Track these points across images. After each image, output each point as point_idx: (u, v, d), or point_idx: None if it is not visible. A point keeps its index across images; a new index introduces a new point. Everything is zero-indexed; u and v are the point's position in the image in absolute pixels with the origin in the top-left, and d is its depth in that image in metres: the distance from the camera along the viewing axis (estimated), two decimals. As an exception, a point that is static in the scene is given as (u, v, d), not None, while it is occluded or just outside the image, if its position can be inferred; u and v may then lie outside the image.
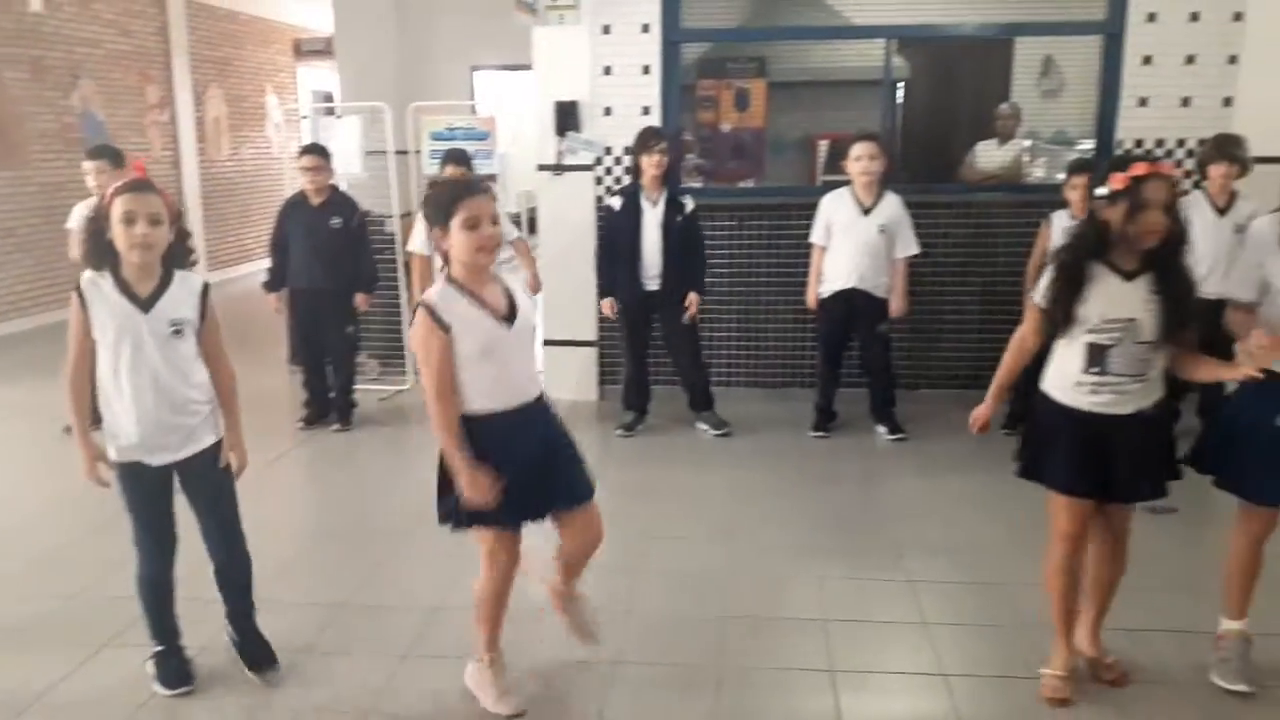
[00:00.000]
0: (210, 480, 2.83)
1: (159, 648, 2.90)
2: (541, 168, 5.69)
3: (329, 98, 11.27)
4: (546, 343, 5.91)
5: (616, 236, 5.06)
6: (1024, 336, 2.80)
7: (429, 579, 3.59)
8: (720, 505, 4.34)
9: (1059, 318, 2.63)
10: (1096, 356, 2.59)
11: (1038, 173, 6.67)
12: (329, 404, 5.54)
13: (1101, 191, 2.57)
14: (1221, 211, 4.58)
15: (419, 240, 5.05)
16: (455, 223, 2.49)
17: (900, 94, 8.30)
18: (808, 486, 4.61)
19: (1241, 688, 2.82)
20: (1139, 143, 5.43)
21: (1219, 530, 2.93)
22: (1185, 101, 5.36)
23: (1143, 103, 5.40)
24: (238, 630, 3.00)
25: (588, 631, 2.98)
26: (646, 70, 5.57)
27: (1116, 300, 2.58)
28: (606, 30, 5.54)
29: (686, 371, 5.33)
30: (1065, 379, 2.68)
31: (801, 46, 7.87)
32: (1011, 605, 3.32)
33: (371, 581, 3.65)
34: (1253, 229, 2.83)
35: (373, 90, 7.06)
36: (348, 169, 5.89)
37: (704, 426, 5.34)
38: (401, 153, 6.15)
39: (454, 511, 2.64)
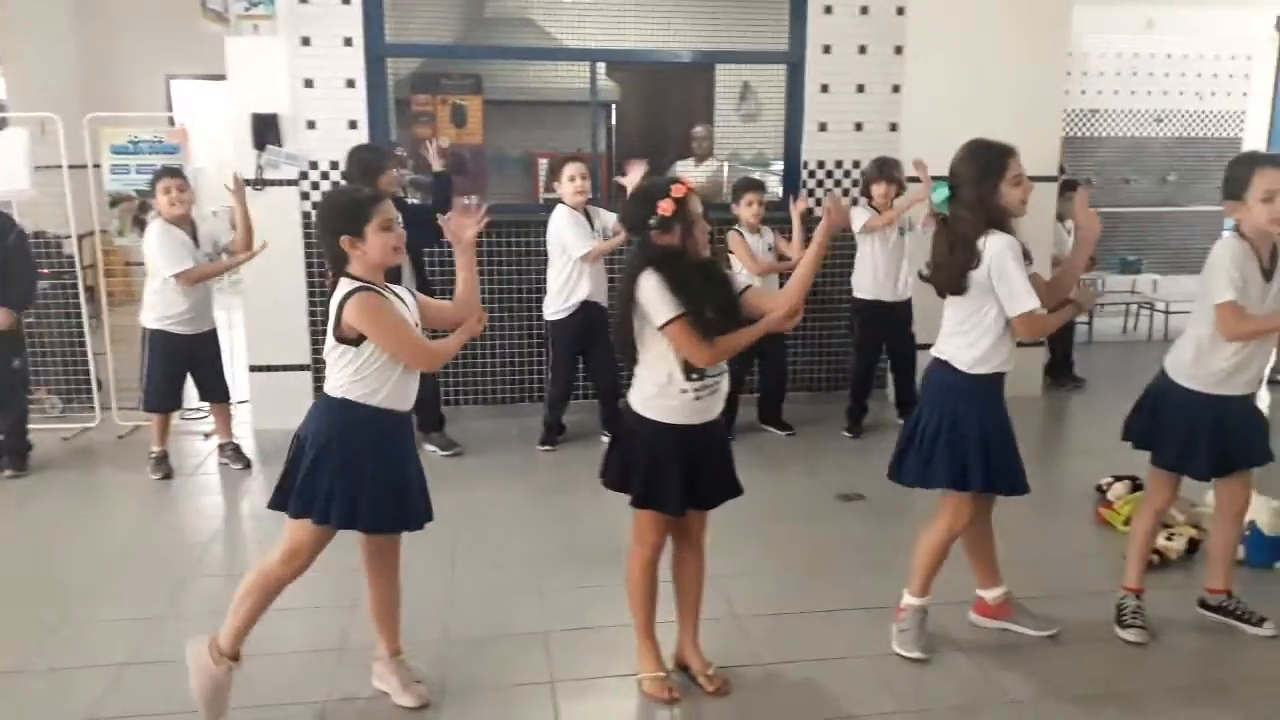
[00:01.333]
0: None
1: None
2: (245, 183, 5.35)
3: (-2, 106, 10.03)
4: (252, 369, 5.58)
5: None
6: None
7: (118, 635, 3.27)
8: (446, 527, 4.20)
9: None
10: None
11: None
12: (-1, 447, 4.92)
13: (653, 221, 2.67)
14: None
15: None
16: (372, 226, 2.59)
17: (614, 115, 8.62)
18: (538, 501, 4.64)
19: (917, 655, 3.14)
20: (821, 164, 5.95)
21: (904, 514, 3.21)
22: (859, 126, 5.93)
23: (823, 127, 5.91)
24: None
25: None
26: (351, 84, 5.40)
27: None
28: (306, 42, 5.32)
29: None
30: (666, 394, 2.70)
31: (517, 66, 7.96)
32: (724, 598, 3.49)
33: (48, 643, 3.26)
34: (993, 244, 2.90)
35: (49, 99, 6.35)
36: (12, 185, 5.25)
37: (432, 448, 5.24)
38: (80, 167, 5.57)
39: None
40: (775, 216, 5.55)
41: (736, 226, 5.23)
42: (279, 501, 2.68)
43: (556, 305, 5.12)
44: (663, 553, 2.89)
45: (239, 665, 2.74)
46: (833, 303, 6.06)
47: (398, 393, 2.68)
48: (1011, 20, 5.89)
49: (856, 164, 5.96)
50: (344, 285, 2.61)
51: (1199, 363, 3.12)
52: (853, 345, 5.64)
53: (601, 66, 8.09)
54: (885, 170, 5.30)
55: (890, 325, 5.45)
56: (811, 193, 5.97)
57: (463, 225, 2.79)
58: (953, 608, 3.36)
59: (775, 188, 6.21)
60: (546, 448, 5.31)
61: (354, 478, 2.62)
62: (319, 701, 2.90)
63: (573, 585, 3.69)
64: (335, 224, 2.63)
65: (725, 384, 2.78)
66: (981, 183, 2.91)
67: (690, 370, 2.68)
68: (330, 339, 2.64)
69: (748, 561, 3.83)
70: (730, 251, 5.20)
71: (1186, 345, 3.17)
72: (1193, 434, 3.13)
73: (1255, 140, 10.48)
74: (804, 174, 5.95)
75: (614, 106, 8.57)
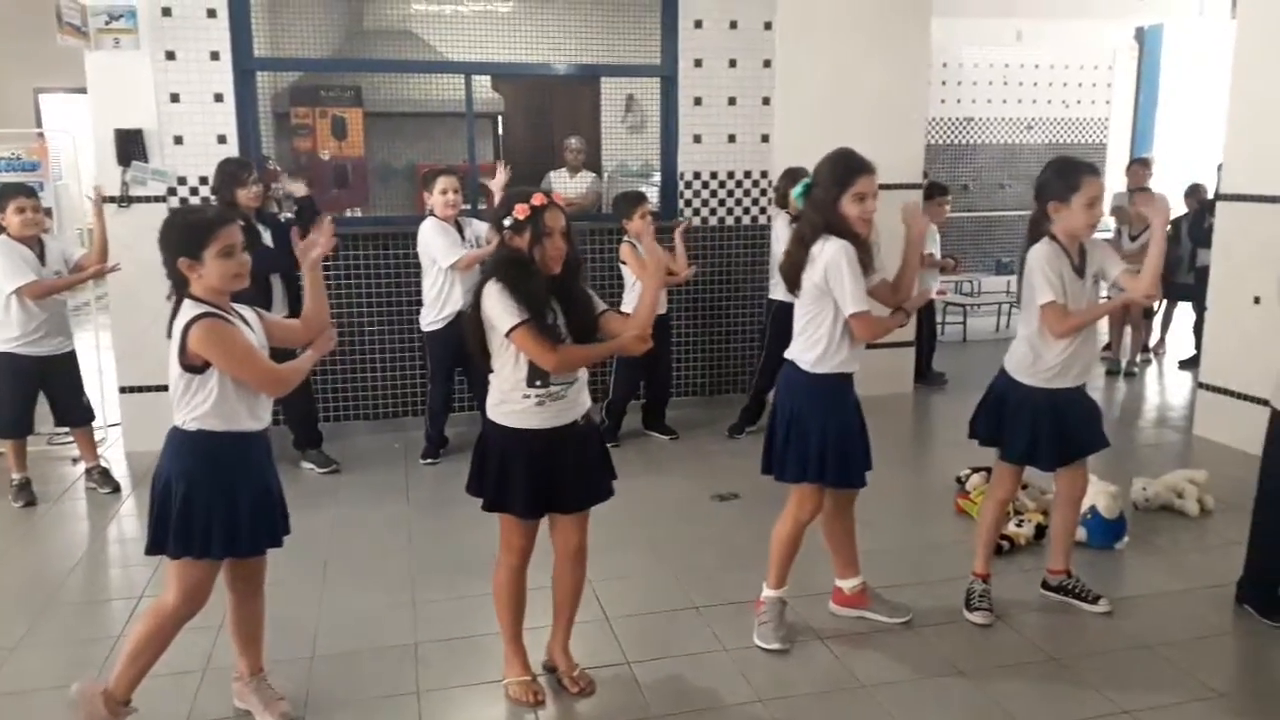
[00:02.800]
0: None
1: None
2: (107, 199, 5.23)
3: None
4: (123, 390, 5.45)
5: None
6: None
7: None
8: (322, 545, 4.23)
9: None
10: (536, 370, 2.73)
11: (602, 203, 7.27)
12: None
13: (508, 222, 2.74)
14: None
15: None
16: (211, 251, 2.54)
17: (500, 127, 8.65)
18: (416, 514, 4.63)
19: (776, 646, 3.26)
20: (697, 174, 6.09)
21: (777, 510, 3.32)
22: (731, 138, 6.10)
23: (697, 139, 6.06)
24: None
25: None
26: (220, 98, 5.32)
27: None
28: (171, 56, 5.22)
29: (292, 408, 5.15)
30: (511, 399, 2.77)
31: (399, 78, 7.92)
32: (595, 601, 3.56)
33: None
34: (828, 249, 3.03)
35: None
36: None
37: (309, 465, 5.19)
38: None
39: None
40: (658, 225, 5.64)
41: (629, 238, 5.30)
42: (156, 546, 2.63)
43: (431, 316, 5.14)
44: (530, 558, 2.93)
45: (136, 711, 2.72)
46: (720, 310, 6.21)
47: (252, 414, 2.67)
48: (874, 34, 6.13)
49: (730, 174, 6.12)
50: (186, 310, 2.58)
51: (1034, 360, 3.32)
52: (763, 344, 5.76)
53: (487, 79, 8.17)
54: (797, 179, 5.41)
55: None
56: (689, 203, 6.11)
57: (310, 245, 2.80)
58: (816, 599, 3.50)
59: (655, 199, 6.33)
60: (429, 460, 5.31)
61: (228, 507, 2.61)
62: (178, 725, 2.87)
63: (446, 597, 3.71)
64: (174, 245, 2.59)
65: (577, 393, 2.84)
66: (829, 189, 3.05)
67: (534, 377, 2.73)
68: (175, 367, 2.61)
69: (622, 564, 3.91)
70: (623, 262, 5.28)
71: (1020, 345, 3.38)
72: (1036, 427, 3.33)
73: (1119, 145, 11.08)
74: (681, 185, 6.09)
75: (500, 118, 8.61)
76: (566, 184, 7.07)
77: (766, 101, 6.08)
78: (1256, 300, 5.16)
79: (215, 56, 5.29)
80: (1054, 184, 3.25)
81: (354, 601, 3.69)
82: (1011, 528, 4.05)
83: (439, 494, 4.88)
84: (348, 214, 7.10)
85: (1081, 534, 3.99)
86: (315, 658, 3.26)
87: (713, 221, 6.17)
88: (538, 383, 2.74)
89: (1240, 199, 5.27)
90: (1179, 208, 8.29)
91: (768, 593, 3.34)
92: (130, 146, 5.19)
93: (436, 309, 5.09)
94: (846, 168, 3.05)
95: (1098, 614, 3.49)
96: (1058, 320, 3.20)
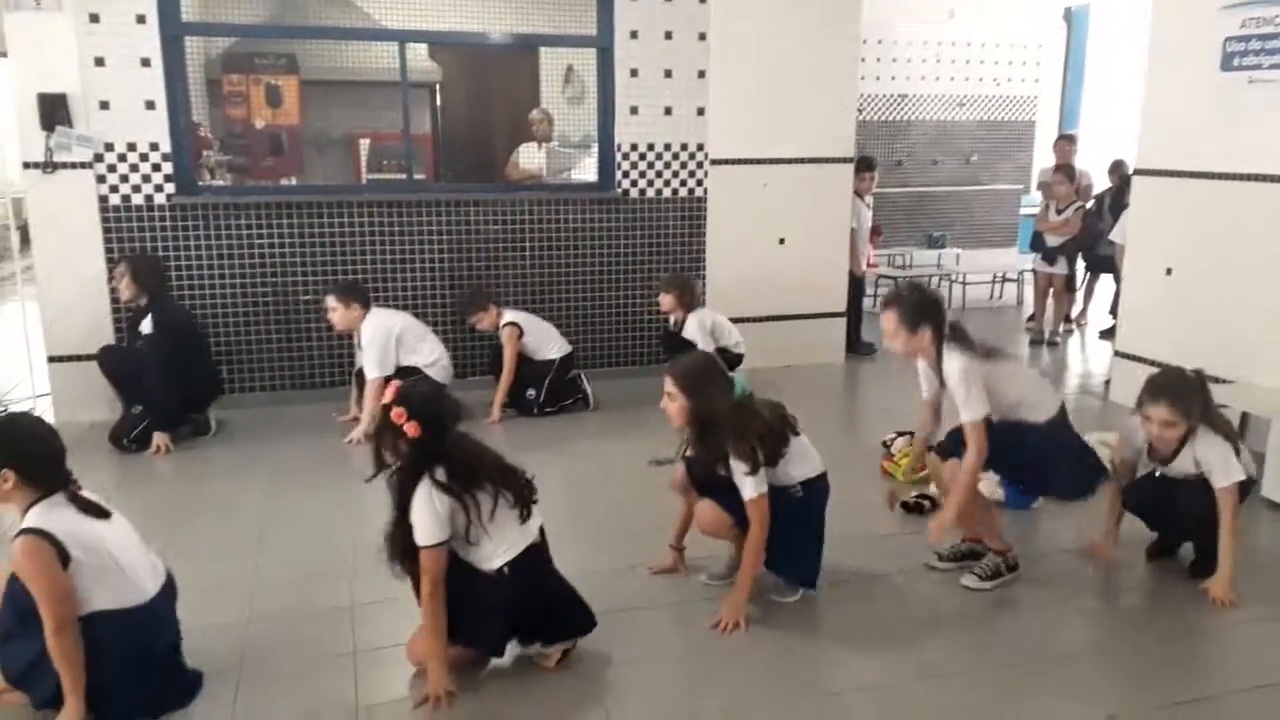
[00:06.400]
0: None
1: None
2: (28, 165, 5.12)
3: None
4: (51, 359, 5.36)
5: None
6: None
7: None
8: (259, 512, 4.25)
9: None
10: None
11: (565, 174, 7.30)
12: None
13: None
14: None
15: None
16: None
17: (438, 97, 8.60)
18: (353, 482, 4.63)
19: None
20: (634, 146, 6.14)
21: None
22: (668, 110, 6.15)
23: (634, 111, 6.10)
24: None
25: None
26: (147, 62, 5.22)
27: None
28: (95, 19, 5.09)
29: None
30: None
31: (334, 45, 7.82)
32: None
33: None
34: None
35: None
36: None
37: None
38: None
39: None
40: (596, 196, 5.72)
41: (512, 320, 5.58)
42: None
43: None
44: None
45: None
46: (656, 279, 6.27)
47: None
48: (808, 10, 6.22)
49: (668, 146, 6.18)
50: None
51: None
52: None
53: (423, 48, 8.10)
54: None
55: None
56: (626, 175, 6.16)
57: None
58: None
59: (593, 170, 6.38)
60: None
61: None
62: None
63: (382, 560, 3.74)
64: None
65: None
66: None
67: None
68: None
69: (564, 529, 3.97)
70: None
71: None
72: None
73: (1047, 122, 11.38)
74: (618, 156, 6.14)
75: (438, 88, 8.56)
76: (535, 155, 7.05)
77: (702, 75, 6.14)
78: (1169, 272, 5.39)
79: (141, 20, 5.18)
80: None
81: (290, 566, 3.72)
82: (932, 488, 4.21)
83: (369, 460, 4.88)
84: (282, 183, 7.04)
85: (1000, 495, 4.18)
86: (251, 620, 3.29)
87: (650, 193, 6.23)
88: None
89: (1155, 174, 5.48)
90: (1103, 183, 8.58)
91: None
92: (54, 111, 5.07)
93: None
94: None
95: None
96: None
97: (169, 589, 2.80)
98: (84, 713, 2.58)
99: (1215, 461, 3.37)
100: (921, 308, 3.41)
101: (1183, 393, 3.39)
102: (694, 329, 5.52)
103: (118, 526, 2.70)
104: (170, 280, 5.29)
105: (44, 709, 2.64)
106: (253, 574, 3.65)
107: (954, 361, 3.35)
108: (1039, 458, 3.49)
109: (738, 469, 3.14)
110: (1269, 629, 3.25)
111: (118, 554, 2.63)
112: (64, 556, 2.50)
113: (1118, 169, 7.98)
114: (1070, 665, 3.02)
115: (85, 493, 2.67)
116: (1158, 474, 3.58)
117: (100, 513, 2.65)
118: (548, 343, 5.66)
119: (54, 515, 2.54)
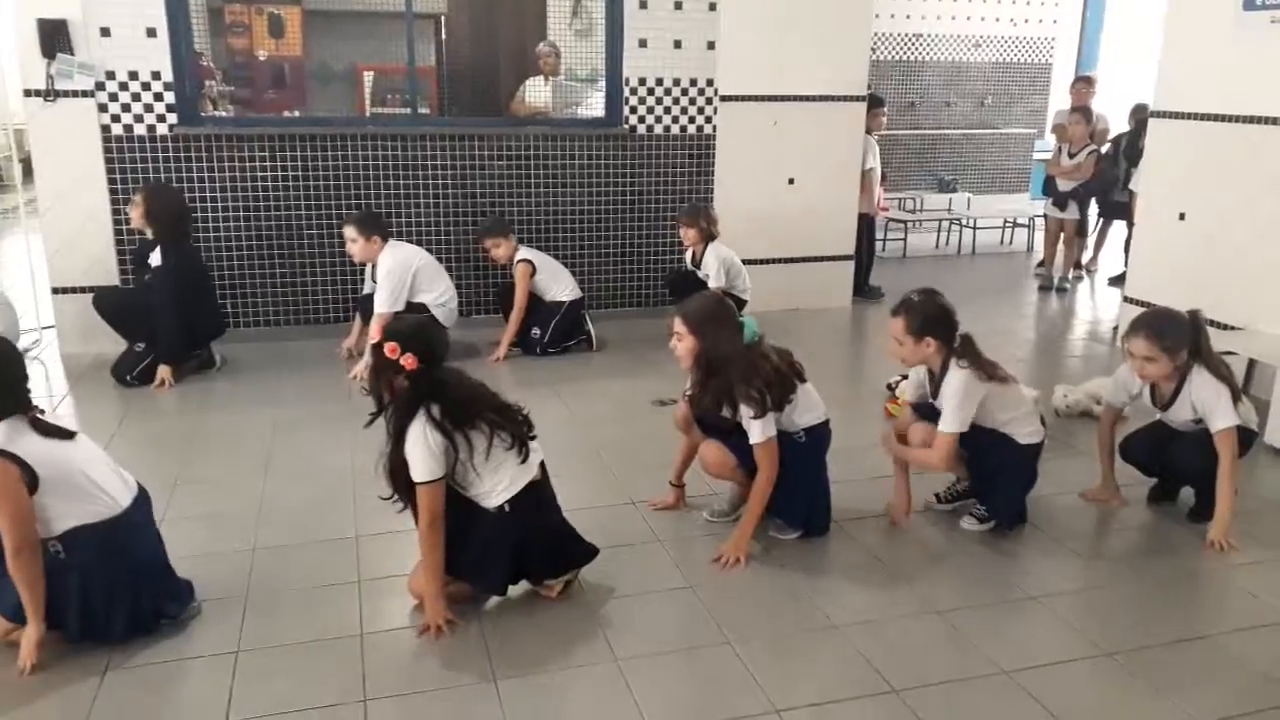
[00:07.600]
0: None
1: None
2: (29, 93, 5.05)
3: None
4: (55, 291, 5.35)
5: None
6: None
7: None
8: (263, 444, 4.27)
9: None
10: None
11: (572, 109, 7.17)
12: None
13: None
14: None
15: None
16: None
17: (442, 30, 8.43)
18: (357, 415, 4.64)
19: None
20: (642, 81, 6.04)
21: None
22: (677, 44, 6.04)
23: (643, 44, 5.99)
24: None
25: None
26: (148, -12, 5.14)
27: None
28: (95, -60, 5.01)
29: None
30: None
31: (338, -26, 7.69)
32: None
33: None
34: None
35: None
36: None
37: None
38: None
39: None
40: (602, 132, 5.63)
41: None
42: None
43: None
44: None
45: None
46: (665, 217, 6.22)
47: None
48: (823, -57, 6.08)
49: (677, 81, 6.08)
50: None
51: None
52: None
53: (428, -22, 7.94)
54: None
55: None
56: (634, 110, 6.07)
57: None
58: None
59: (600, 105, 6.29)
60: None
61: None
62: None
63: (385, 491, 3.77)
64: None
65: None
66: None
67: None
68: None
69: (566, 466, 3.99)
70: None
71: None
72: None
73: (1064, 65, 11.16)
74: (626, 91, 6.04)
75: (443, 19, 8.40)
76: (541, 90, 6.93)
77: (713, 8, 6.02)
78: (1181, 216, 5.32)
79: (142, -57, 5.08)
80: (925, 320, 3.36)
81: (295, 497, 3.75)
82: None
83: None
84: (285, 115, 6.94)
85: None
86: (256, 549, 3.32)
87: (658, 130, 6.14)
88: None
89: (1171, 116, 5.39)
90: (1120, 125, 8.44)
91: None
92: (54, 38, 5.00)
93: None
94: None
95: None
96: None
97: (143, 499, 2.81)
98: (44, 633, 2.60)
99: (1209, 401, 3.36)
100: (931, 318, 3.35)
101: (1164, 329, 3.36)
102: (712, 261, 5.51)
103: (84, 444, 2.69)
104: (191, 218, 5.23)
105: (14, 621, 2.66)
106: (258, 504, 3.67)
107: (957, 380, 3.31)
108: (999, 468, 3.46)
109: (745, 413, 3.14)
110: (1267, 571, 3.26)
111: (88, 470, 2.64)
112: (31, 477, 2.49)
113: (1138, 113, 7.83)
114: (1068, 603, 3.04)
115: (44, 416, 2.65)
116: (1158, 419, 3.57)
117: (64, 434, 2.64)
118: (559, 284, 5.62)
119: (18, 437, 2.52)
